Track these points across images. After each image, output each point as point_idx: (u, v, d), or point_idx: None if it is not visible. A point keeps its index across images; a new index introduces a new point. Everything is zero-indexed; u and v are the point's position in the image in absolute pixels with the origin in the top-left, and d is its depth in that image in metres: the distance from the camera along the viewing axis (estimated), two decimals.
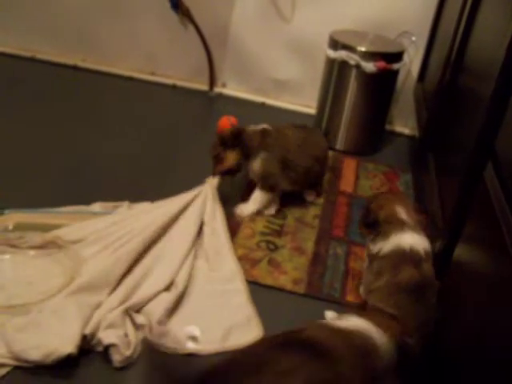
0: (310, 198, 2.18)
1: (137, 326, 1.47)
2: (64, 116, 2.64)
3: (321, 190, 2.23)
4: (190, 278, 1.68)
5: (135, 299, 1.53)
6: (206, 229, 1.87)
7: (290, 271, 1.79)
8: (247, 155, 2.00)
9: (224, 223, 1.92)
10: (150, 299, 1.55)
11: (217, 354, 1.45)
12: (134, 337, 1.42)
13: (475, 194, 1.31)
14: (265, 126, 2.05)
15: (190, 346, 1.46)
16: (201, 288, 1.67)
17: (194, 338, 1.47)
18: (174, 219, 1.84)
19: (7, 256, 1.68)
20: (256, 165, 2.00)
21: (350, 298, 1.70)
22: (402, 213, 1.56)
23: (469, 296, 1.20)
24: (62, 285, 1.56)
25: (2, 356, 1.34)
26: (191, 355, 1.45)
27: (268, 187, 2.02)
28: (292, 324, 1.55)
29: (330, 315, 1.60)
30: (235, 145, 1.98)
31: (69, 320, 1.41)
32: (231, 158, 1.99)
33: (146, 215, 1.85)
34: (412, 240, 1.51)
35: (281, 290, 1.71)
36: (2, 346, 1.36)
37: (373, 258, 1.57)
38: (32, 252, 1.70)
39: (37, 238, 1.72)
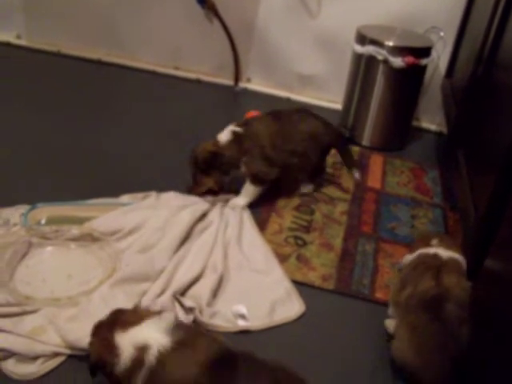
0: (303, 189, 2.17)
1: (186, 309, 1.51)
2: (89, 110, 2.65)
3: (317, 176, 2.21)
4: (225, 260, 1.73)
5: (176, 284, 1.58)
6: (231, 219, 1.93)
7: (319, 267, 1.78)
8: (232, 167, 1.98)
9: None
10: (189, 284, 1.61)
11: (267, 329, 1.53)
12: (185, 319, 1.47)
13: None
14: (233, 128, 1.99)
15: (241, 324, 1.52)
16: (238, 268, 1.73)
17: (242, 316, 1.53)
18: (202, 216, 1.89)
19: (49, 248, 1.70)
20: (243, 169, 1.99)
21: (379, 294, 1.69)
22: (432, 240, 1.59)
23: (501, 301, 1.16)
24: (102, 276, 1.58)
25: (57, 346, 1.37)
26: (243, 332, 1.51)
27: (258, 181, 2.01)
28: (321, 319, 1.58)
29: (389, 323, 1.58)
30: (211, 168, 1.96)
31: (119, 306, 1.43)
32: (208, 182, 1.99)
33: (174, 209, 1.88)
34: (437, 250, 1.52)
35: (310, 285, 1.70)
36: (56, 337, 1.38)
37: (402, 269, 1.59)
38: (73, 245, 1.72)
39: (74, 230, 1.74)
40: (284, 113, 2.08)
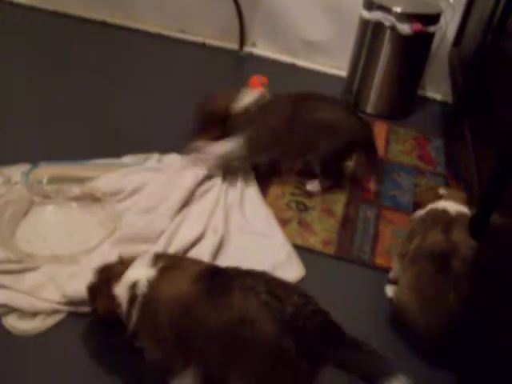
0: (309, 186, 1.99)
1: None
2: (93, 72, 2.62)
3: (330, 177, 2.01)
4: (227, 222, 1.73)
5: (177, 245, 1.59)
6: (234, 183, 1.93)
7: (320, 232, 1.78)
8: (228, 131, 1.91)
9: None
10: (190, 244, 1.61)
11: None
12: None
13: None
14: (253, 101, 1.90)
15: None
16: (239, 231, 1.73)
17: None
18: (204, 179, 1.89)
19: (50, 207, 1.70)
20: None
21: (379, 260, 1.69)
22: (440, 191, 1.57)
23: (506, 267, 1.16)
24: (102, 235, 1.59)
25: (57, 302, 1.38)
26: None
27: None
28: (321, 284, 1.58)
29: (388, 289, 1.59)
30: (219, 124, 1.90)
31: None
32: (213, 134, 1.92)
33: (176, 171, 1.88)
34: (446, 204, 1.50)
35: (310, 250, 1.71)
36: (56, 294, 1.39)
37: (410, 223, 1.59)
38: (74, 204, 1.72)
39: (75, 190, 1.74)
40: (307, 97, 1.95)
